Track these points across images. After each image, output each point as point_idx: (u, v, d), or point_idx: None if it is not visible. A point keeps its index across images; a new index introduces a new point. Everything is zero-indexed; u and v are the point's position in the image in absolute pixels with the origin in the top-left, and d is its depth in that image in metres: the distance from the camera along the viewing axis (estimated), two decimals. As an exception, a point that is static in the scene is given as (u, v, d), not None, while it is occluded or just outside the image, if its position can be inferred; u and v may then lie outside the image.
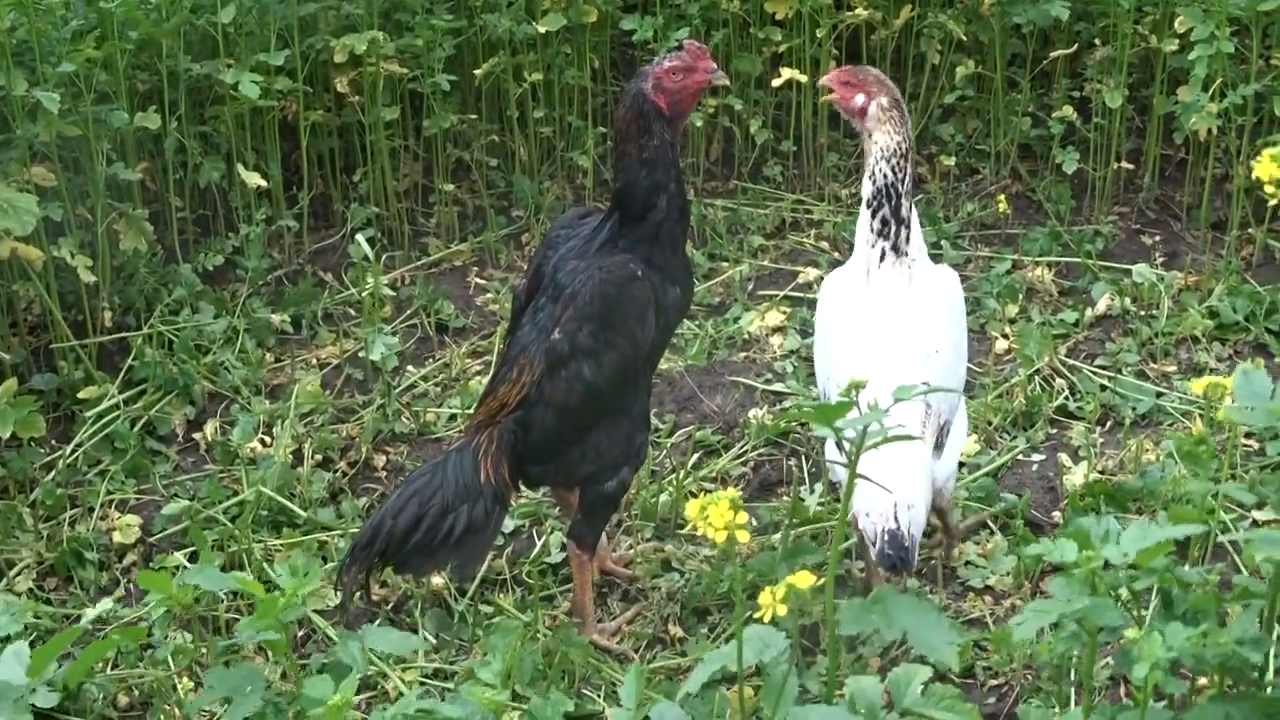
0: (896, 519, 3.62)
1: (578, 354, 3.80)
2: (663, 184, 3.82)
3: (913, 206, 3.94)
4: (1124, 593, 2.67)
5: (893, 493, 3.60)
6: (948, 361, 3.88)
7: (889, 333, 3.83)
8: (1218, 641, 2.40)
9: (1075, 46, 5.81)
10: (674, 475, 4.49)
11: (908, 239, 3.91)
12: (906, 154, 3.90)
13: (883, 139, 3.90)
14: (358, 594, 3.97)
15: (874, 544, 3.64)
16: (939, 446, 3.84)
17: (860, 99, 3.94)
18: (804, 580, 2.31)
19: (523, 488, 4.06)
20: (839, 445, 2.66)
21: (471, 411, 4.12)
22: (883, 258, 3.90)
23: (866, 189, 3.92)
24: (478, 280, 5.56)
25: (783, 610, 2.30)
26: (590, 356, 3.80)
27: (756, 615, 2.35)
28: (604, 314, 3.79)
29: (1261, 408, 2.67)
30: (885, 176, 3.88)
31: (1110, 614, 2.52)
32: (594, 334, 3.79)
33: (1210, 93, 5.23)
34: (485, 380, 4.86)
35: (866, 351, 3.81)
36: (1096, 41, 5.74)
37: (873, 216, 3.90)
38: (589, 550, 3.98)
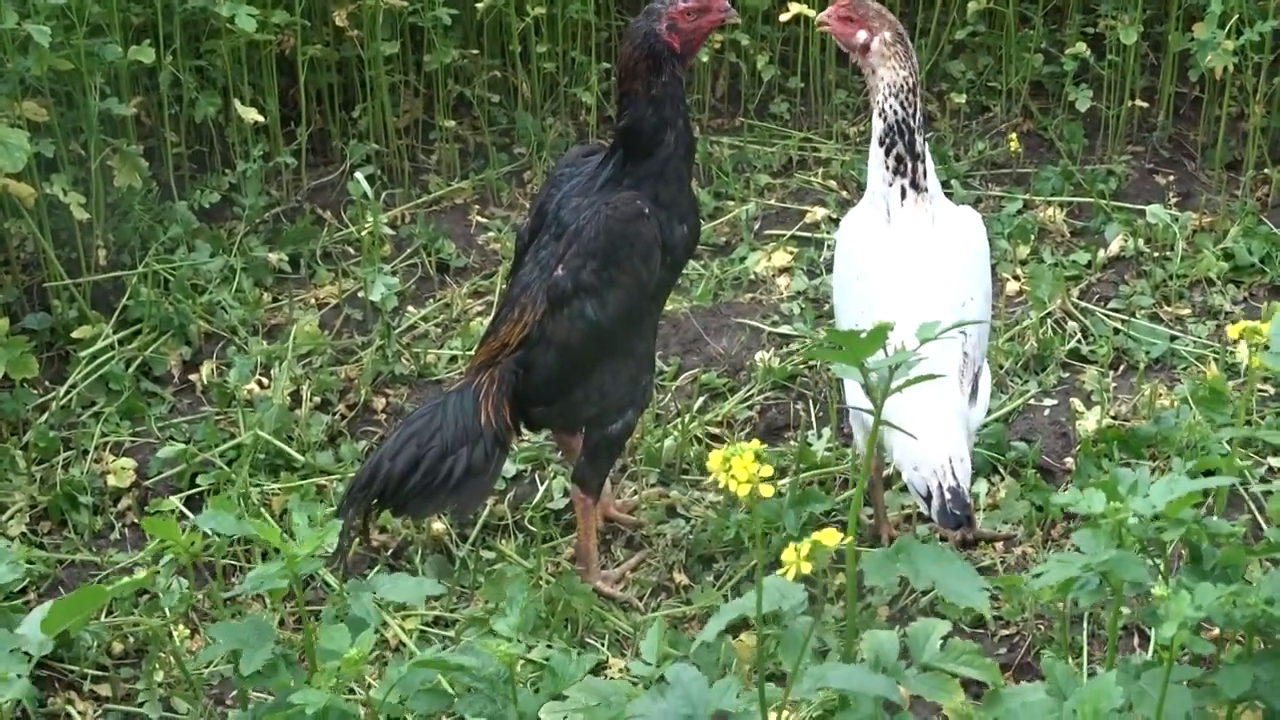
0: (955, 475, 3.52)
1: (581, 291, 3.73)
2: (670, 120, 3.74)
3: (926, 142, 3.84)
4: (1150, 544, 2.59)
5: (940, 445, 3.52)
6: (980, 310, 3.79)
7: (920, 279, 3.73)
8: (1247, 601, 2.32)
9: (1089, -19, 5.71)
10: (679, 419, 4.40)
11: (925, 174, 3.82)
12: (915, 88, 3.81)
13: (889, 75, 3.80)
14: (356, 538, 3.90)
15: (930, 500, 3.52)
16: (972, 396, 3.75)
17: (863, 35, 3.84)
18: (830, 537, 2.22)
19: (524, 431, 3.98)
20: (865, 388, 2.54)
21: (472, 352, 4.03)
22: (903, 196, 3.81)
23: (877, 127, 3.83)
24: (479, 219, 5.45)
25: (807, 568, 2.22)
26: (594, 294, 3.73)
27: (779, 573, 2.27)
28: (609, 250, 3.71)
29: (1298, 356, 2.58)
30: (895, 113, 3.79)
31: (1137, 568, 2.44)
32: (598, 271, 3.71)
33: (1226, 30, 5.12)
34: (487, 321, 4.78)
35: (897, 298, 3.70)
36: (1111, -24, 5.62)
37: (887, 154, 3.81)
38: (593, 495, 3.90)
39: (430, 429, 3.79)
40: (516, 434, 3.92)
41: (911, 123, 3.79)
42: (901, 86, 3.79)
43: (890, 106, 3.79)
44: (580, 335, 3.75)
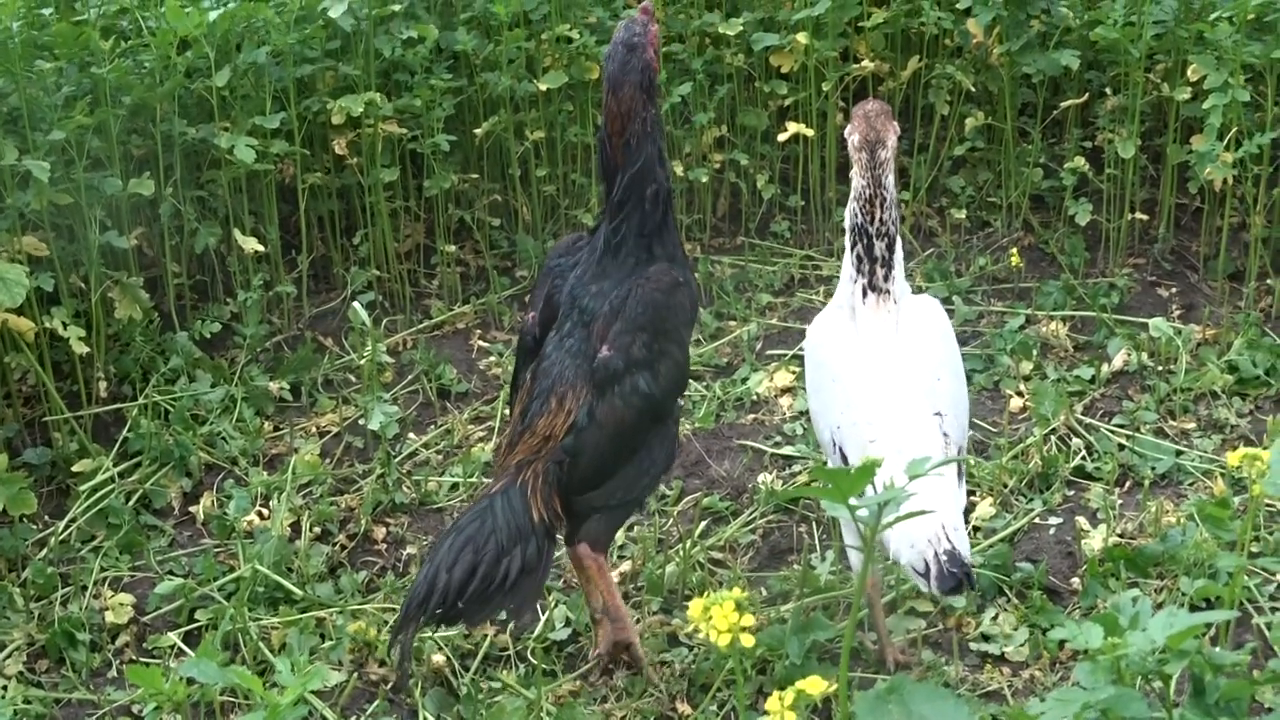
0: (950, 539, 3.51)
1: (633, 367, 3.72)
2: (661, 152, 3.79)
3: (897, 248, 3.83)
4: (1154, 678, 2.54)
5: (932, 517, 3.47)
6: (952, 388, 3.78)
7: (890, 371, 3.73)
8: (1249, 737, 2.28)
9: (1086, 95, 5.72)
10: (681, 545, 4.37)
11: (885, 278, 3.81)
12: (872, 199, 3.77)
13: (853, 179, 3.82)
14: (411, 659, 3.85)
15: (926, 572, 3.49)
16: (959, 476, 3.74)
17: (848, 130, 3.86)
18: (815, 685, 2.18)
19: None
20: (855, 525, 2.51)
21: (500, 454, 3.95)
22: (864, 295, 3.81)
23: (846, 222, 3.87)
24: (480, 343, 5.45)
25: (793, 717, 2.17)
26: (646, 368, 3.73)
27: (761, 721, 2.23)
28: (657, 323, 3.74)
29: (1298, 484, 2.55)
30: (855, 216, 3.81)
31: (1136, 705, 2.39)
32: (648, 344, 3.73)
33: (1225, 142, 5.12)
34: (488, 446, 4.78)
35: (874, 394, 3.71)
36: (1108, 90, 5.64)
37: (851, 250, 3.83)
38: (603, 552, 3.87)
39: (484, 533, 3.70)
40: (564, 525, 3.86)
41: (870, 229, 3.78)
42: (859, 195, 3.79)
43: (851, 209, 3.81)
44: (635, 411, 3.73)
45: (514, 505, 3.73)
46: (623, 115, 3.74)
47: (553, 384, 3.78)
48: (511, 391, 4.01)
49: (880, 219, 3.77)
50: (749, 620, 2.22)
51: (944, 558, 3.49)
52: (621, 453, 3.76)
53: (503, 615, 3.86)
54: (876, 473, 2.36)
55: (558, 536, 3.84)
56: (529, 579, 3.71)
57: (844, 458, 3.72)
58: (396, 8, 5.33)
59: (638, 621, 4.19)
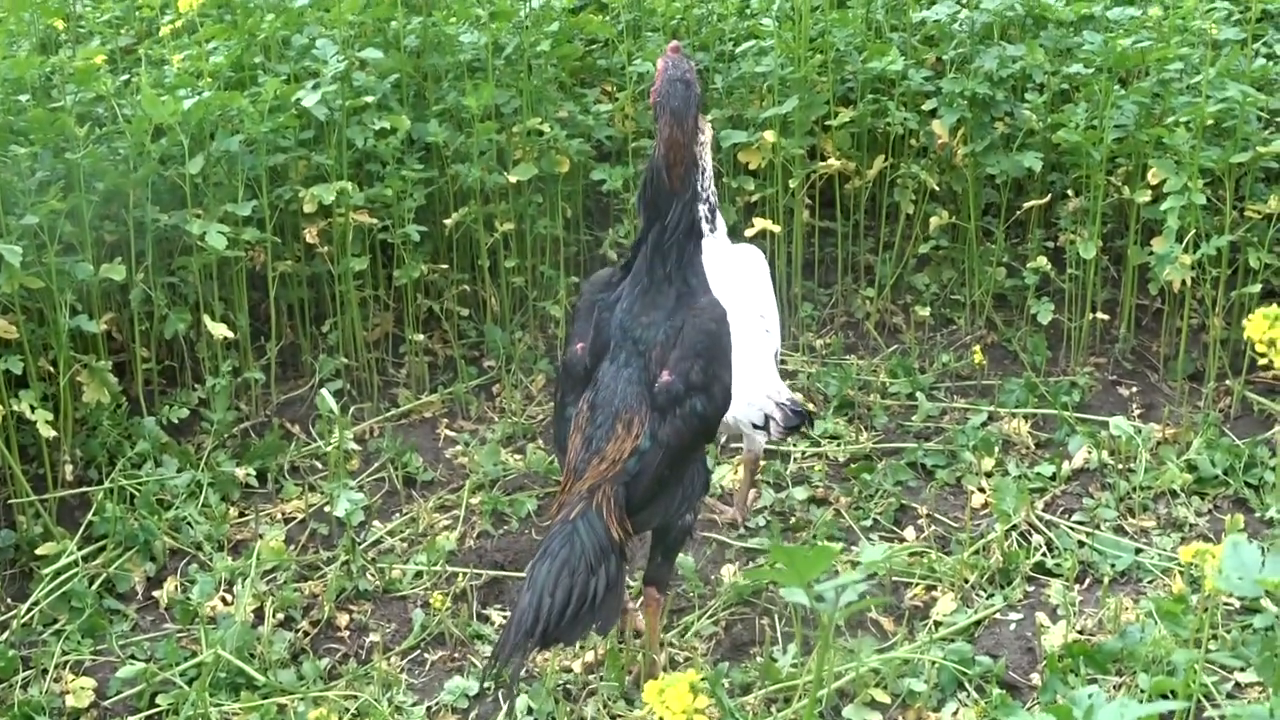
0: (781, 393, 4.50)
1: (692, 391, 3.92)
2: (697, 187, 4.10)
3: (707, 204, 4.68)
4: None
5: (766, 383, 4.51)
6: (769, 292, 4.76)
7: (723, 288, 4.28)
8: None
9: (1049, 197, 5.81)
10: (644, 635, 4.38)
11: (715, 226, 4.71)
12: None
13: (707, 165, 4.65)
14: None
15: (765, 424, 4.50)
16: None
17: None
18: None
19: None
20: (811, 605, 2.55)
21: (566, 481, 3.99)
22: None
23: (710, 200, 4.71)
24: (448, 432, 5.48)
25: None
26: (702, 391, 3.94)
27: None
28: (710, 351, 3.96)
29: (1250, 579, 2.59)
30: (713, 196, 4.71)
31: (1089, 799, 2.42)
32: (703, 370, 3.94)
33: (1184, 244, 5.21)
34: (453, 535, 4.80)
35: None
36: (1069, 192, 5.73)
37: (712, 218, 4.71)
38: (665, 594, 4.18)
39: (576, 554, 3.80)
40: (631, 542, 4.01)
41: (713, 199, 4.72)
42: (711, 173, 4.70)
43: (710, 189, 4.67)
44: (691, 431, 3.93)
45: (595, 526, 3.85)
46: (686, 145, 3.94)
47: (617, 410, 3.93)
48: (557, 422, 4.12)
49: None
50: (704, 702, 2.24)
51: (787, 404, 4.47)
52: (673, 474, 3.95)
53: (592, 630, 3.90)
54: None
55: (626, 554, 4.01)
56: (611, 595, 3.84)
57: None
58: (370, 99, 5.40)
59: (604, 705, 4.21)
